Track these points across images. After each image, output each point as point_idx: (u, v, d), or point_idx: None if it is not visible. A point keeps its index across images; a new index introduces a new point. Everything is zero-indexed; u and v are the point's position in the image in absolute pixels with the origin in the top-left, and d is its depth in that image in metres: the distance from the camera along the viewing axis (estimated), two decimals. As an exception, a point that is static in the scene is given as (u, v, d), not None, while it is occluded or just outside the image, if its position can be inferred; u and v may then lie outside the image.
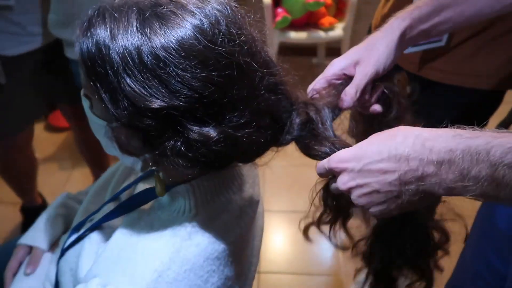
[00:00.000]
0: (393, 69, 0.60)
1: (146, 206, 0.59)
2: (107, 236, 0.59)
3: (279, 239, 1.75)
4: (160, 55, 0.42)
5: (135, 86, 0.42)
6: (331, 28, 2.41)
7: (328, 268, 1.63)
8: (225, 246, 0.55)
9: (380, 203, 0.44)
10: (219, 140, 0.45)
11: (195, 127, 0.44)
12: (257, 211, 0.65)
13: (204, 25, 0.44)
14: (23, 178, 1.57)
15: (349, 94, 0.57)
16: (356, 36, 2.81)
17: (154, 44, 0.42)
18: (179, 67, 0.42)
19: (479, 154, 0.36)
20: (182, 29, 0.43)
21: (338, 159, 0.46)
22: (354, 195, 0.45)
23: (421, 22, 0.59)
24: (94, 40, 0.44)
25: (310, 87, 0.60)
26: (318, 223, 0.61)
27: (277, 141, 0.54)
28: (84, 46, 0.45)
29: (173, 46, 0.42)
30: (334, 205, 0.60)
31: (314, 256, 1.71)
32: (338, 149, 0.50)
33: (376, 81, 0.59)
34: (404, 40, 0.59)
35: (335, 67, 0.59)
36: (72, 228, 0.66)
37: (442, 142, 0.39)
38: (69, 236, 0.64)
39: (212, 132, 0.45)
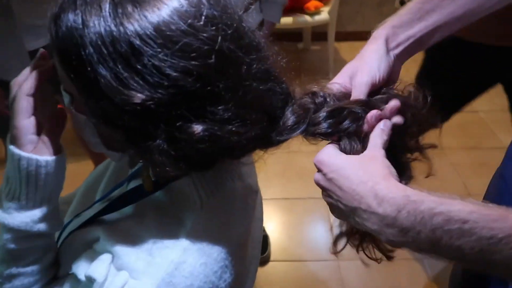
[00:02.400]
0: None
1: (149, 202, 0.56)
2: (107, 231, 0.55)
3: (273, 227, 1.75)
4: (135, 44, 0.38)
5: (110, 78, 0.38)
6: (316, 12, 2.38)
7: (323, 254, 1.63)
8: (235, 239, 0.53)
9: (334, 210, 0.48)
10: (203, 137, 0.42)
11: (177, 123, 0.41)
12: (257, 201, 0.63)
13: (183, 7, 0.39)
14: None
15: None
16: (341, 20, 2.79)
17: (127, 31, 0.38)
18: (156, 56, 0.38)
19: (423, 219, 0.39)
20: (159, 12, 0.38)
21: (319, 158, 0.48)
22: (322, 193, 0.49)
23: (403, 28, 0.58)
24: (64, 27, 0.40)
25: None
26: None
27: (268, 140, 0.50)
28: (54, 34, 0.41)
29: (148, 32, 0.38)
30: None
31: (308, 242, 1.71)
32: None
33: (384, 93, 0.54)
34: (390, 47, 0.57)
35: (334, 85, 0.55)
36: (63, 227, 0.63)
37: (390, 199, 0.41)
38: (60, 235, 0.61)
39: (195, 128, 0.41)
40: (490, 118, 2.30)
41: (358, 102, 0.51)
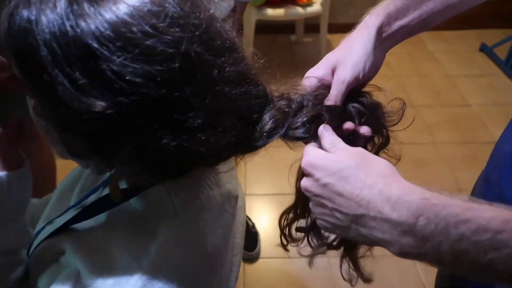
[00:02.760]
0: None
1: (121, 211, 0.52)
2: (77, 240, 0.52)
3: (263, 223, 1.72)
4: (92, 46, 0.34)
5: (67, 84, 0.35)
6: (309, 3, 2.34)
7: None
8: (211, 250, 0.50)
9: (327, 221, 0.43)
10: (170, 147, 0.39)
11: (141, 132, 0.38)
12: (237, 206, 0.60)
13: (145, 6, 0.36)
14: (39, 178, 1.39)
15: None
16: (334, 11, 2.74)
17: (83, 32, 0.34)
18: (115, 60, 0.35)
19: (446, 227, 0.34)
20: (118, 11, 0.35)
21: (309, 161, 0.43)
22: (311, 202, 0.44)
23: (398, 17, 0.54)
24: (17, 25, 0.36)
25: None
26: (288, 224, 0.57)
27: (245, 145, 0.47)
28: (7, 32, 0.37)
29: (106, 34, 0.34)
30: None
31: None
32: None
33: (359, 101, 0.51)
34: (381, 38, 0.53)
35: (311, 80, 0.52)
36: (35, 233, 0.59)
37: (406, 202, 0.36)
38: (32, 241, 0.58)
39: (161, 138, 0.38)
40: (483, 111, 2.28)
41: (334, 109, 0.48)
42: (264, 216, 1.76)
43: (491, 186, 0.65)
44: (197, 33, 0.38)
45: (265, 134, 0.46)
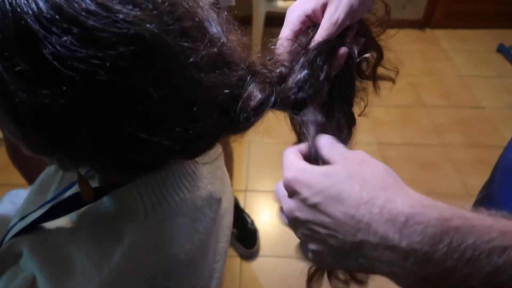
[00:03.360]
0: None
1: (90, 211, 0.49)
2: (45, 240, 0.49)
3: (263, 220, 1.69)
4: (32, 27, 0.30)
5: (6, 70, 0.31)
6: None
7: (313, 251, 1.58)
8: (183, 257, 0.47)
9: (321, 254, 0.35)
10: (132, 139, 0.34)
11: (97, 126, 0.34)
12: (221, 209, 0.57)
13: None
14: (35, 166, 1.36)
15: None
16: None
17: (22, 11, 0.30)
18: (59, 43, 0.30)
19: (476, 257, 0.26)
20: None
21: (293, 177, 0.35)
22: (297, 231, 0.36)
23: None
24: None
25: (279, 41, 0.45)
26: None
27: (229, 128, 0.42)
28: None
29: (46, 13, 0.30)
30: None
31: (299, 238, 1.66)
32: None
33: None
34: None
35: (298, 12, 0.45)
36: (8, 228, 0.57)
37: (418, 225, 0.28)
38: (4, 236, 0.55)
39: (120, 131, 0.34)
40: (496, 115, 2.21)
41: (324, 46, 0.43)
42: (265, 213, 1.73)
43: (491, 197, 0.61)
44: (155, 11, 0.33)
45: (253, 110, 0.41)
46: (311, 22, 0.46)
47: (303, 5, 0.45)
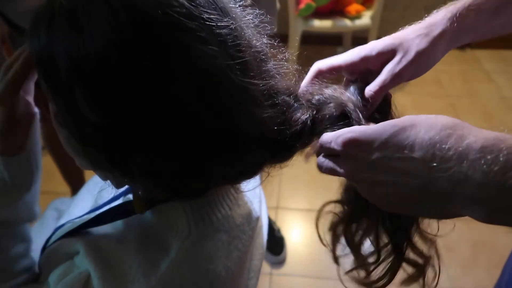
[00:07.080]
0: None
1: (136, 222, 0.51)
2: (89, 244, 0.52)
3: (294, 239, 1.68)
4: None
5: (78, 96, 0.35)
6: (358, 16, 2.28)
7: (342, 273, 1.54)
8: (223, 273, 0.48)
9: (392, 199, 0.35)
10: (180, 168, 0.37)
11: (150, 154, 0.36)
12: (257, 227, 0.57)
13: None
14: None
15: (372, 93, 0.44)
16: (385, 25, 2.66)
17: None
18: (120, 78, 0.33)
19: None
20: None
21: (347, 139, 0.35)
22: (362, 188, 0.37)
23: (476, 22, 0.45)
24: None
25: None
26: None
27: (277, 156, 0.44)
28: (38, 43, 0.37)
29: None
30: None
31: (329, 259, 1.63)
32: None
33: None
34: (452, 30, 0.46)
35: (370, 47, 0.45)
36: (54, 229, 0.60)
37: (498, 154, 0.30)
38: (51, 236, 0.58)
39: (169, 158, 0.36)
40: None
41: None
42: (295, 231, 1.72)
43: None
44: (225, 45, 0.35)
45: (294, 137, 0.42)
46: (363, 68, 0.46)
47: (376, 45, 0.46)
